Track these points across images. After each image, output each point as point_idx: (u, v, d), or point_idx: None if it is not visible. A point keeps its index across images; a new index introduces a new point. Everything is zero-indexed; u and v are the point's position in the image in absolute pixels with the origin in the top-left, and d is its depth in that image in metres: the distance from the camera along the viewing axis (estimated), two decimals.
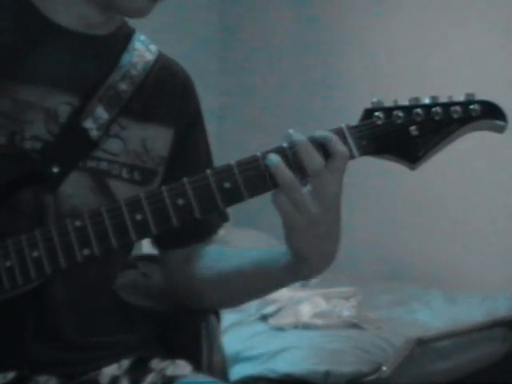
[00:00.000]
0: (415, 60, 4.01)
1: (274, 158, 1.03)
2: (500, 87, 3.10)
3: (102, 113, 1.17)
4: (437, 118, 1.05)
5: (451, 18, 3.92)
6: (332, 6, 4.36)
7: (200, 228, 1.27)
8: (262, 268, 1.17)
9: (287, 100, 4.49)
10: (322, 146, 1.04)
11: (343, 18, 4.33)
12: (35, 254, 1.03)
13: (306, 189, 1.03)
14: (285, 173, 1.02)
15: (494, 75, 3.64)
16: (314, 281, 3.54)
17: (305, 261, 1.09)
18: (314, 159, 1.02)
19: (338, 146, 1.03)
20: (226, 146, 4.34)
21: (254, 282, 1.20)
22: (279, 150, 1.04)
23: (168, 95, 1.27)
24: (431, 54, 3.96)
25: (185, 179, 1.04)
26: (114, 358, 1.23)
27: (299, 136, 1.04)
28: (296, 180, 1.02)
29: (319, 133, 1.05)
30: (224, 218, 1.34)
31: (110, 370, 1.23)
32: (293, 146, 1.03)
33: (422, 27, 4.03)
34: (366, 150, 1.06)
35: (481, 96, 1.07)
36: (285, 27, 4.53)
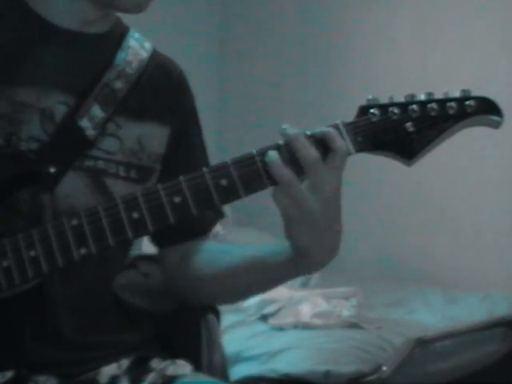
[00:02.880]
0: (415, 60, 4.01)
1: (272, 155, 1.03)
2: (500, 87, 3.10)
3: (97, 112, 1.17)
4: (432, 114, 1.05)
5: (451, 18, 3.92)
6: (332, 4, 4.36)
7: (196, 225, 1.27)
8: (261, 263, 1.17)
9: (287, 97, 4.49)
10: (322, 142, 1.04)
11: (344, 17, 4.33)
12: (32, 253, 1.03)
13: (305, 184, 1.03)
14: (282, 169, 1.02)
15: (493, 75, 3.64)
16: (313, 281, 3.55)
17: (305, 255, 1.09)
18: (308, 153, 1.02)
19: (338, 141, 1.03)
20: (225, 142, 4.36)
21: (253, 278, 1.19)
22: (276, 147, 1.04)
23: (163, 93, 1.27)
24: (431, 53, 3.96)
25: (181, 177, 1.04)
26: (114, 358, 1.23)
27: (294, 130, 1.04)
28: (294, 176, 1.02)
29: (319, 128, 1.05)
30: (220, 215, 1.34)
31: (110, 370, 1.23)
32: (288, 141, 1.03)
33: (421, 27, 4.03)
34: (362, 147, 1.06)
35: (480, 94, 1.07)
36: (285, 25, 4.53)
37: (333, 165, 1.03)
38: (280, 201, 1.03)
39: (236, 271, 1.21)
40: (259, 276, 1.19)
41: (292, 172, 1.02)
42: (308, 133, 1.05)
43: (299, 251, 1.09)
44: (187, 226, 1.19)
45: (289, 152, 1.03)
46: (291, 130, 1.04)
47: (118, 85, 1.20)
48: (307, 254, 1.08)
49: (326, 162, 1.03)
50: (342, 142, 1.04)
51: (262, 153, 1.04)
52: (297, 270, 1.14)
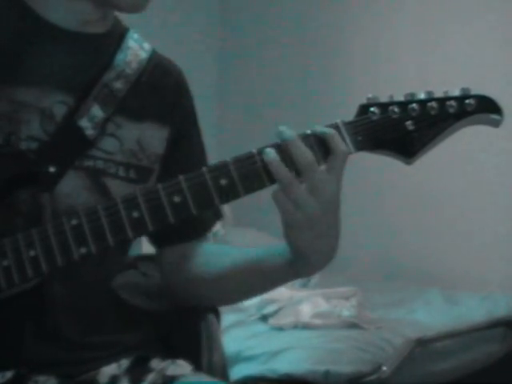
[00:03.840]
0: (415, 59, 4.01)
1: (270, 153, 1.03)
2: (500, 86, 3.10)
3: (97, 112, 1.17)
4: (432, 112, 1.05)
5: (451, 18, 3.92)
6: (333, 3, 4.36)
7: (195, 226, 1.27)
8: (260, 265, 1.17)
9: (287, 96, 4.49)
10: (323, 143, 1.04)
11: (344, 17, 4.33)
12: (32, 253, 1.03)
13: (304, 186, 1.03)
14: (281, 169, 1.02)
15: (493, 75, 3.63)
16: (313, 281, 3.55)
17: (303, 258, 1.08)
18: (303, 156, 1.02)
19: (339, 143, 1.03)
20: (226, 142, 4.36)
21: (252, 279, 1.19)
22: (275, 146, 1.04)
23: (162, 93, 1.27)
24: (431, 53, 3.96)
25: (181, 176, 1.04)
26: (114, 358, 1.23)
27: (289, 132, 1.03)
28: (293, 177, 1.02)
29: (321, 128, 1.05)
30: (218, 216, 1.34)
31: (110, 370, 1.22)
32: (284, 144, 1.03)
33: (422, 26, 4.03)
34: (362, 146, 1.05)
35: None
36: (286, 24, 4.53)
37: (332, 166, 1.03)
38: (280, 202, 1.03)
39: (234, 273, 1.21)
40: (257, 278, 1.19)
41: (291, 172, 1.02)
42: (308, 132, 1.04)
43: (297, 254, 1.09)
44: (186, 227, 1.19)
45: (286, 153, 1.03)
46: (287, 132, 1.04)
47: (118, 85, 1.20)
48: (305, 256, 1.08)
49: (326, 163, 1.03)
50: (342, 145, 1.03)
51: (262, 152, 1.04)
52: (295, 273, 1.14)
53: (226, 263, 1.22)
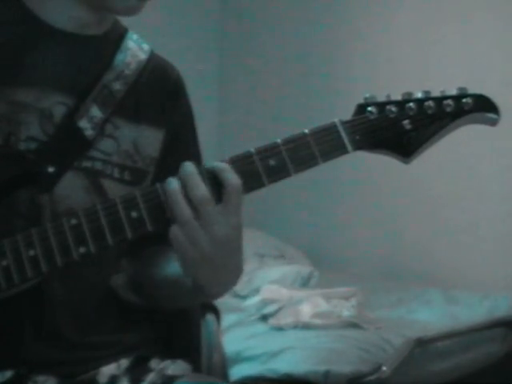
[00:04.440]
0: (415, 59, 4.01)
1: (172, 183, 1.02)
2: (500, 86, 3.10)
3: (96, 112, 1.17)
4: (429, 111, 1.05)
5: (451, 18, 3.92)
6: (333, 2, 4.36)
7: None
8: (175, 284, 1.16)
9: (287, 96, 4.49)
10: (215, 178, 1.02)
11: (344, 16, 4.33)
12: (31, 252, 1.03)
13: (199, 223, 1.01)
14: (181, 203, 1.01)
15: (493, 74, 3.64)
16: (313, 281, 3.56)
17: (201, 289, 1.08)
18: (198, 188, 1.00)
19: (230, 176, 1.01)
20: (226, 141, 4.37)
21: (177, 293, 1.19)
22: (179, 178, 1.02)
23: (160, 95, 1.27)
24: (431, 53, 3.96)
25: None
26: (113, 358, 1.23)
27: (189, 167, 1.02)
28: (191, 213, 1.00)
29: (212, 163, 1.03)
30: None
31: (109, 370, 1.22)
32: (182, 179, 1.01)
33: (421, 26, 4.03)
34: (360, 145, 1.05)
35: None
36: (286, 23, 4.53)
37: (225, 200, 1.01)
38: (175, 238, 1.02)
39: (163, 283, 1.22)
40: (176, 294, 1.19)
41: (190, 208, 1.00)
42: (207, 166, 1.03)
43: (197, 286, 1.08)
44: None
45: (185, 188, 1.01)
46: (188, 166, 1.02)
47: (117, 86, 1.20)
48: (205, 288, 1.08)
49: (219, 203, 1.01)
50: (233, 177, 1.01)
51: (261, 151, 1.03)
52: (197, 298, 1.18)
53: (161, 274, 1.22)
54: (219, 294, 1.11)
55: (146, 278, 1.26)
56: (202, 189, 1.01)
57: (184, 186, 1.01)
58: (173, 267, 1.14)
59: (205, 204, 1.00)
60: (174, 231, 1.02)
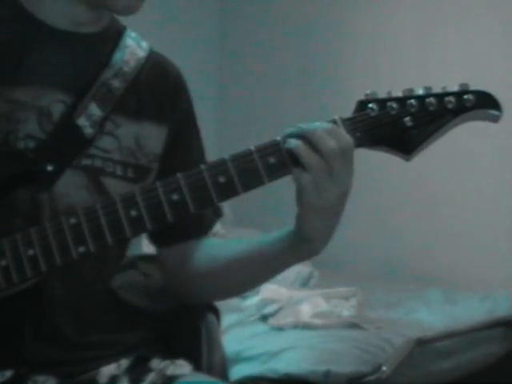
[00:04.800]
0: (415, 59, 4.01)
1: (295, 141, 1.02)
2: (500, 86, 3.10)
3: (95, 110, 1.17)
4: (431, 108, 1.05)
5: (451, 18, 3.92)
6: (333, 4, 4.36)
7: (195, 224, 1.26)
8: (261, 252, 1.17)
9: (287, 95, 4.49)
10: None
11: (345, 15, 4.33)
12: (31, 252, 1.03)
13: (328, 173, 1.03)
14: (309, 152, 1.02)
15: (493, 75, 3.63)
16: (313, 281, 3.55)
17: (308, 242, 1.09)
18: (328, 142, 1.02)
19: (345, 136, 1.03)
20: (226, 141, 4.36)
21: (253, 267, 1.20)
22: (296, 135, 1.03)
23: (160, 92, 1.27)
24: (431, 53, 3.96)
25: (179, 174, 1.03)
26: (113, 358, 1.23)
27: (310, 125, 1.03)
28: (322, 161, 1.02)
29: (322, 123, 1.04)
30: (218, 214, 1.33)
31: (109, 370, 1.22)
32: (306, 135, 1.02)
33: (421, 26, 4.03)
34: (361, 142, 1.05)
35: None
36: (286, 22, 4.53)
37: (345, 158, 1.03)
38: (303, 183, 1.03)
39: (236, 263, 1.21)
40: (259, 265, 1.19)
41: (319, 157, 1.02)
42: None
43: (304, 237, 1.09)
44: (187, 226, 1.19)
45: (309, 143, 1.02)
46: (308, 124, 1.03)
47: (116, 84, 1.20)
48: (311, 240, 1.09)
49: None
50: (347, 137, 1.03)
51: (261, 149, 1.03)
52: (296, 257, 1.14)
53: (228, 255, 1.23)
54: (318, 250, 1.11)
55: (200, 272, 1.26)
56: (331, 141, 1.02)
57: (309, 142, 1.02)
58: (245, 243, 1.20)
59: (336, 155, 1.02)
60: (301, 177, 1.02)
